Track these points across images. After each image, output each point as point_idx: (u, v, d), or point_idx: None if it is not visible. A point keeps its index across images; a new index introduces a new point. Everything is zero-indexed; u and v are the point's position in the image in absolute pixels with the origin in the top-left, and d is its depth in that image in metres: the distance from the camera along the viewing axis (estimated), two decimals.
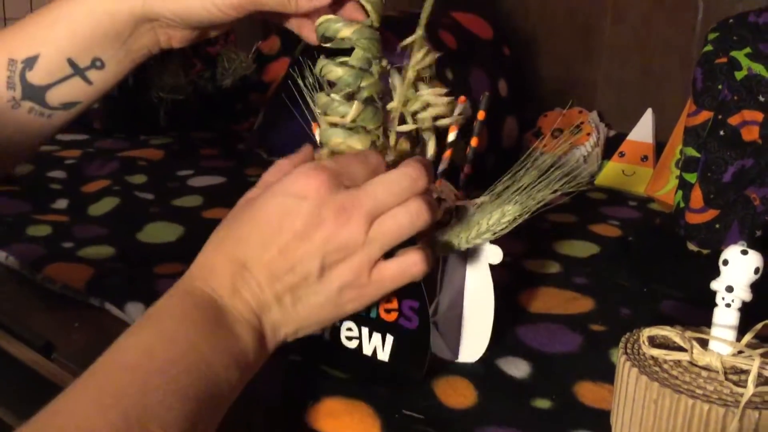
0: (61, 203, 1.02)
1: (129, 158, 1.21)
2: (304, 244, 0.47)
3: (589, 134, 1.25)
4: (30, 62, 0.60)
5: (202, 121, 1.46)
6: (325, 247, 0.47)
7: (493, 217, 0.58)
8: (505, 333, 0.69)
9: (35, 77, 0.60)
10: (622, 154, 1.21)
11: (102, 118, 1.40)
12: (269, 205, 0.48)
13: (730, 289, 0.51)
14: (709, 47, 0.86)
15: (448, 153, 0.64)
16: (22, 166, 1.14)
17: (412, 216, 0.50)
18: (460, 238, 0.59)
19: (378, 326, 0.59)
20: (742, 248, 0.51)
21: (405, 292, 0.57)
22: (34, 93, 0.60)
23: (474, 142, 0.65)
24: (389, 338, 0.59)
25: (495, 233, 0.59)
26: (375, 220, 0.49)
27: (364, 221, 0.48)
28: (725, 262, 0.51)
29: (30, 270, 0.79)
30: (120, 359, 0.41)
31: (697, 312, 0.75)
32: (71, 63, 0.60)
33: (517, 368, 0.64)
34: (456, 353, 0.64)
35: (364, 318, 0.60)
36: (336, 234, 0.47)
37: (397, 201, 0.49)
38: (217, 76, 1.50)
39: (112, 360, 0.41)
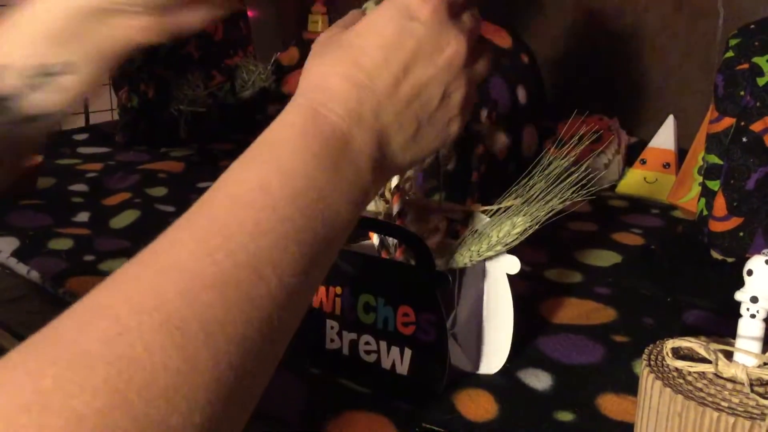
0: (83, 216, 1.03)
1: (150, 171, 1.22)
2: (428, 68, 0.44)
3: (610, 142, 1.24)
4: None
5: (222, 133, 1.46)
6: (447, 73, 0.45)
7: (503, 230, 0.57)
8: (527, 344, 0.68)
9: (6, 88, 0.53)
10: (643, 162, 1.20)
11: (123, 131, 1.41)
12: (384, 27, 0.44)
13: (754, 299, 0.50)
14: (730, 53, 0.85)
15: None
16: (44, 179, 1.15)
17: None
18: (471, 251, 0.59)
19: (396, 340, 0.59)
20: (766, 258, 0.50)
21: (422, 305, 0.57)
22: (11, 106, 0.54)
23: (481, 149, 0.65)
24: (407, 352, 0.58)
25: (506, 245, 0.58)
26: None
27: (475, 49, 0.47)
28: (749, 273, 0.50)
29: (52, 284, 0.80)
30: (231, 192, 0.36)
31: (722, 322, 0.74)
32: (41, 71, 0.54)
33: (539, 380, 0.63)
34: (476, 365, 0.64)
35: (382, 331, 0.59)
36: (457, 60, 0.45)
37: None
38: (236, 88, 1.51)
39: (223, 193, 0.36)
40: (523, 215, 0.57)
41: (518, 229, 0.57)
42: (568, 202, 0.56)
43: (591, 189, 0.56)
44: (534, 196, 0.57)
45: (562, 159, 0.58)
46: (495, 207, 0.60)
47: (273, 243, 0.34)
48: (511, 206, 0.59)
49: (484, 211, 0.62)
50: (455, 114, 0.47)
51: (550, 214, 0.56)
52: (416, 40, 0.43)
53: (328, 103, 0.41)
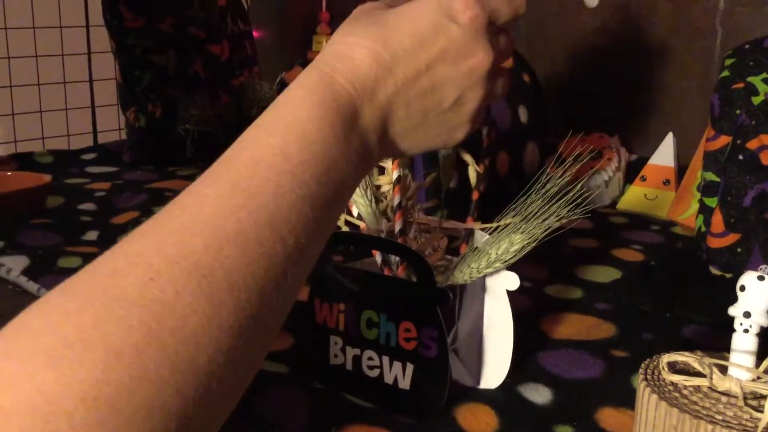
0: (92, 235, 1.05)
1: (157, 189, 1.24)
2: (450, 69, 0.45)
3: (610, 159, 1.25)
4: None
5: None
6: (467, 80, 0.46)
7: (501, 247, 0.59)
8: (527, 359, 0.70)
9: None
10: (643, 178, 1.22)
11: (130, 151, 1.43)
12: (422, 18, 0.45)
13: (747, 314, 0.51)
14: (726, 73, 0.87)
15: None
16: (53, 198, 1.17)
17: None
18: (471, 268, 0.60)
19: (398, 355, 0.60)
20: (758, 274, 0.52)
21: (423, 321, 0.58)
22: None
23: (481, 168, 0.66)
24: (409, 366, 0.60)
25: (505, 262, 0.60)
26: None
27: (498, 68, 0.48)
28: (742, 288, 0.52)
29: None
30: (254, 154, 0.37)
31: (720, 336, 0.75)
32: None
33: (539, 394, 0.65)
34: (477, 380, 0.65)
35: (384, 347, 0.61)
36: (479, 71, 0.46)
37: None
38: (242, 106, 1.54)
39: (247, 154, 0.37)
40: (521, 233, 0.58)
41: (516, 247, 0.59)
42: (564, 221, 0.57)
43: (587, 207, 0.57)
44: (532, 214, 0.58)
45: (559, 178, 0.60)
46: (494, 225, 0.62)
47: (290, 205, 0.36)
48: (509, 224, 0.60)
49: (483, 229, 0.64)
50: (464, 121, 0.48)
51: (547, 232, 0.58)
52: (448, 39, 0.45)
53: (347, 74, 0.42)
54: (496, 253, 0.59)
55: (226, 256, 0.33)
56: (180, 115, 1.43)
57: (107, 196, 1.21)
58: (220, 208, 0.35)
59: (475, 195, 0.68)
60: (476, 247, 0.61)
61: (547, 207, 0.57)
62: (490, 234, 0.61)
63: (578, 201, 0.57)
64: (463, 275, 0.61)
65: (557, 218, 0.57)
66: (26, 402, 0.26)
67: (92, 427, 0.26)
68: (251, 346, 0.34)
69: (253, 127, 0.40)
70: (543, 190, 0.59)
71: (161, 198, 1.20)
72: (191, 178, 1.34)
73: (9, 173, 1.24)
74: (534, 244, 0.58)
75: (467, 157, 0.63)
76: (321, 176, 0.38)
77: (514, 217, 0.59)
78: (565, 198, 0.57)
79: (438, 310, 0.57)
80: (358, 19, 0.46)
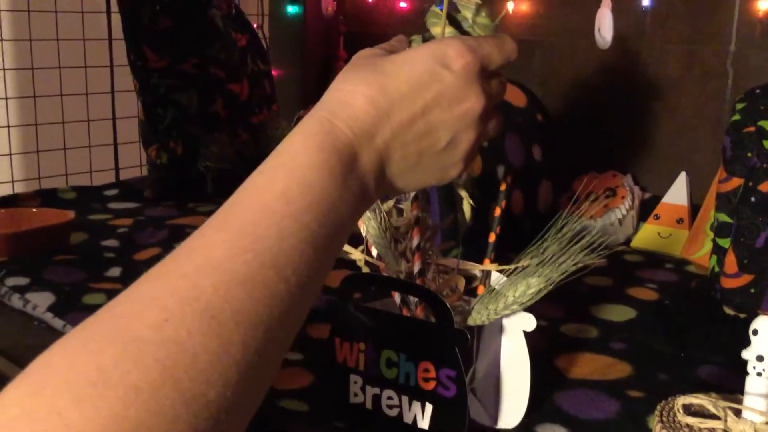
0: (115, 271, 1.07)
1: (178, 226, 1.26)
2: (444, 113, 0.48)
3: (623, 197, 1.27)
4: None
5: None
6: (460, 123, 0.49)
7: (518, 290, 0.60)
8: (544, 399, 0.71)
9: None
10: (657, 217, 1.23)
11: (152, 187, 1.46)
12: (417, 65, 0.48)
13: (760, 358, 0.53)
14: (737, 116, 0.89)
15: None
16: (76, 235, 1.20)
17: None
18: (489, 309, 0.62)
19: (417, 394, 0.61)
20: None
21: (442, 361, 0.60)
22: None
23: (497, 211, 0.68)
24: (428, 406, 0.61)
25: (522, 304, 0.61)
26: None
27: (490, 110, 0.51)
28: (755, 332, 0.53)
29: None
30: (258, 199, 0.40)
31: (734, 377, 0.75)
32: None
33: None
34: (495, 419, 0.66)
35: (404, 387, 0.62)
36: (471, 114, 0.49)
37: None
38: (260, 144, 1.57)
39: (252, 199, 0.40)
40: (538, 276, 0.60)
41: (533, 290, 0.60)
42: (580, 265, 0.59)
43: (602, 252, 0.59)
44: (548, 258, 0.60)
45: (575, 222, 0.61)
46: (511, 267, 0.64)
47: (293, 247, 0.39)
48: (527, 266, 0.62)
49: (500, 271, 0.66)
50: (458, 160, 0.51)
51: (564, 275, 0.59)
52: (442, 85, 0.48)
53: (346, 120, 0.45)
54: (514, 296, 0.61)
55: (233, 297, 0.36)
56: (201, 153, 1.46)
57: (129, 232, 1.23)
58: (228, 251, 0.37)
59: (492, 237, 0.70)
60: (493, 289, 0.63)
61: (563, 251, 0.59)
62: (507, 275, 0.63)
63: (594, 246, 0.59)
64: (480, 316, 0.63)
65: (573, 262, 0.59)
66: None
67: None
68: (257, 379, 0.36)
69: (257, 172, 0.42)
70: (559, 234, 0.60)
71: (182, 234, 1.22)
72: (211, 214, 1.37)
73: (33, 210, 1.27)
74: (551, 287, 0.60)
75: (462, 193, 0.65)
76: (321, 218, 0.41)
77: (531, 259, 0.61)
78: (581, 243, 0.59)
79: (457, 351, 0.59)
80: (357, 66, 0.49)
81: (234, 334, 0.35)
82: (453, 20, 0.62)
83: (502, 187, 0.69)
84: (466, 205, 0.65)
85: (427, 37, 0.61)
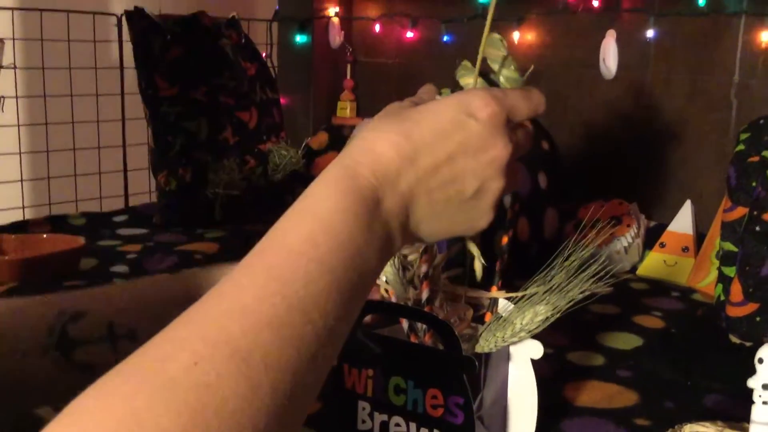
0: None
1: (186, 252, 1.27)
2: (470, 161, 0.48)
3: (629, 225, 1.28)
4: (76, 316, 0.60)
5: (255, 215, 1.52)
6: (486, 171, 0.49)
7: (526, 317, 0.61)
8: (550, 426, 0.71)
9: (74, 331, 0.59)
10: (663, 245, 1.24)
11: (161, 213, 1.48)
12: (443, 114, 0.48)
13: (766, 386, 0.53)
14: (741, 146, 0.90)
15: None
16: (86, 260, 1.21)
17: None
18: (496, 337, 0.63)
19: (425, 421, 0.62)
20: None
21: (450, 388, 0.60)
22: (66, 346, 0.59)
23: (504, 240, 0.69)
24: None
25: (529, 332, 0.62)
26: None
27: (514, 162, 0.51)
28: (760, 361, 0.54)
29: None
30: (284, 244, 0.41)
31: (740, 406, 0.75)
32: (109, 327, 0.60)
33: None
34: None
35: (412, 413, 0.62)
36: (498, 162, 0.49)
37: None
38: (269, 171, 1.58)
39: (279, 244, 0.41)
40: (545, 304, 0.61)
41: (541, 317, 0.61)
42: (587, 293, 0.60)
43: (608, 280, 0.59)
44: (555, 286, 0.61)
45: (582, 251, 0.62)
46: (519, 294, 0.64)
47: (319, 291, 0.39)
48: (534, 294, 0.63)
49: (508, 298, 0.66)
50: (486, 210, 0.51)
51: (571, 303, 0.60)
52: (468, 134, 0.48)
53: (370, 165, 0.45)
54: (521, 323, 0.61)
55: (262, 340, 0.36)
56: (209, 179, 1.47)
57: (138, 257, 1.24)
58: (255, 295, 0.38)
59: (498, 265, 0.71)
60: (501, 317, 0.64)
61: (569, 279, 0.60)
62: (514, 303, 0.63)
63: (600, 274, 0.60)
64: (488, 344, 0.64)
65: (580, 290, 0.59)
66: None
67: None
68: (285, 422, 0.36)
69: (283, 218, 0.43)
70: (566, 263, 0.61)
71: (191, 260, 1.23)
72: (219, 240, 1.38)
73: (44, 236, 1.29)
74: (558, 315, 0.60)
75: (473, 249, 0.65)
76: (347, 262, 0.41)
77: (538, 287, 0.62)
78: (588, 271, 0.60)
79: (465, 378, 0.59)
80: (384, 117, 0.50)
81: (263, 376, 0.35)
82: (482, 73, 0.63)
83: (509, 215, 0.70)
84: (477, 264, 0.65)
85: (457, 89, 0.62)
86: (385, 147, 0.47)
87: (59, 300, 0.62)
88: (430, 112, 0.49)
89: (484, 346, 0.64)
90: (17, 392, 0.60)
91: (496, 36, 0.61)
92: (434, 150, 0.47)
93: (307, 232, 0.41)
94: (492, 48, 0.62)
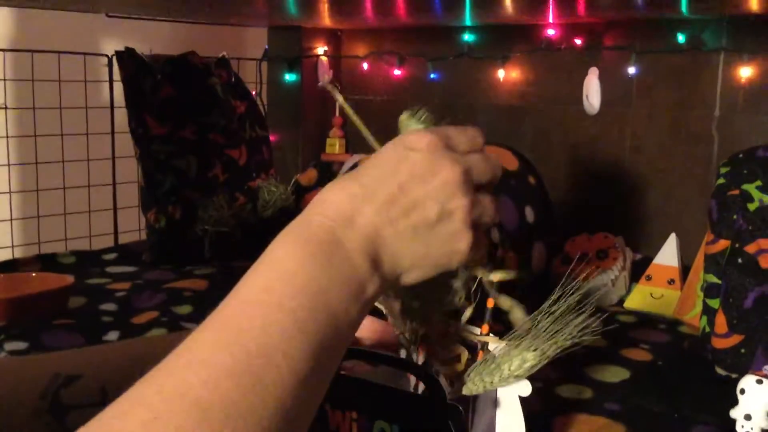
0: (113, 335, 1.07)
1: (175, 289, 1.27)
2: (423, 186, 0.49)
3: (615, 258, 1.29)
4: (70, 380, 0.60)
5: (244, 251, 1.52)
6: (442, 193, 0.49)
7: (514, 363, 0.61)
8: None
9: (66, 396, 0.59)
10: (649, 278, 1.25)
11: (150, 251, 1.48)
12: (385, 154, 0.50)
13: (748, 417, 0.54)
14: (721, 180, 0.92)
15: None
16: (75, 299, 1.21)
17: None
18: (485, 381, 0.63)
19: None
20: (757, 378, 0.54)
21: None
22: (59, 410, 0.59)
23: (490, 303, 0.68)
24: None
25: (517, 377, 0.62)
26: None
27: (468, 179, 0.51)
28: (742, 391, 0.54)
29: None
30: (240, 297, 0.42)
31: None
32: (102, 392, 0.60)
33: None
34: None
35: None
36: (451, 182, 0.50)
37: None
38: (258, 207, 1.59)
39: (235, 299, 0.42)
40: (533, 350, 0.61)
41: (529, 364, 0.61)
42: (576, 340, 0.60)
43: (597, 330, 0.60)
44: (543, 331, 0.61)
45: (570, 295, 0.62)
46: (504, 341, 0.64)
47: (279, 333, 0.40)
48: (522, 339, 0.62)
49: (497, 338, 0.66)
50: (459, 229, 0.50)
51: (558, 351, 0.60)
52: (411, 163, 0.49)
53: (321, 211, 0.47)
54: (509, 369, 0.61)
55: (222, 389, 0.37)
56: (199, 217, 1.48)
57: (127, 295, 1.24)
58: (213, 346, 0.39)
59: (490, 303, 0.71)
60: (488, 360, 0.63)
61: (555, 323, 0.60)
62: (506, 342, 0.63)
63: (589, 323, 0.60)
64: (476, 387, 0.63)
65: (569, 338, 0.60)
66: None
67: None
68: None
69: (244, 276, 0.44)
70: (553, 308, 0.61)
71: (180, 297, 1.23)
72: (209, 277, 1.38)
73: (33, 274, 1.29)
74: (545, 362, 0.60)
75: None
76: (308, 303, 0.42)
77: (527, 334, 0.61)
78: (577, 321, 0.60)
79: (450, 425, 0.59)
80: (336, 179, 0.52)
81: (224, 426, 0.35)
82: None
83: (489, 305, 0.69)
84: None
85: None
86: (334, 193, 0.48)
87: (54, 362, 0.62)
88: (373, 158, 0.50)
89: (472, 389, 0.64)
90: None
91: (403, 118, 0.61)
92: (384, 184, 0.48)
93: (263, 282, 0.42)
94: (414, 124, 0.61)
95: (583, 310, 0.60)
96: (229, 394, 0.36)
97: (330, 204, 0.47)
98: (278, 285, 0.42)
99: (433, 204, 0.49)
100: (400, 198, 0.48)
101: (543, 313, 0.61)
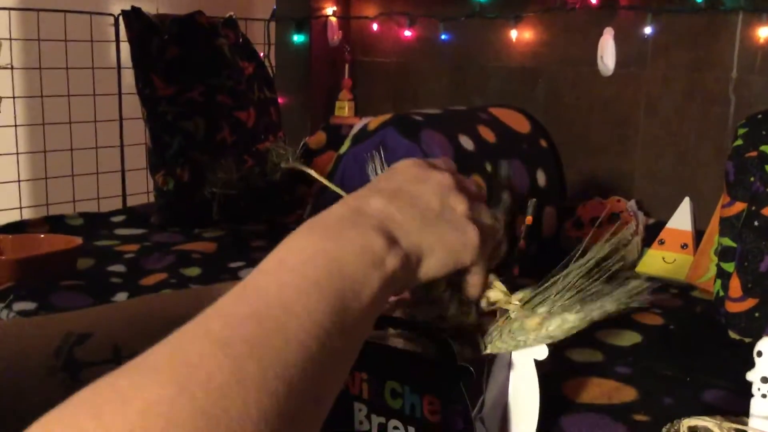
0: (122, 296, 1.07)
1: (184, 251, 1.27)
2: (419, 186, 0.53)
3: (628, 222, 1.27)
4: (82, 338, 0.61)
5: (253, 214, 1.52)
6: (439, 190, 0.53)
7: (553, 323, 0.59)
8: (550, 423, 0.71)
9: (80, 353, 0.61)
10: (661, 242, 1.23)
11: (158, 213, 1.47)
12: (378, 176, 0.55)
13: (765, 380, 0.53)
14: (739, 141, 0.90)
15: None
16: (83, 260, 1.21)
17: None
18: (518, 341, 0.61)
19: (423, 426, 0.61)
20: None
21: (448, 397, 0.59)
22: (73, 368, 0.61)
23: (522, 244, 0.67)
24: None
25: (553, 338, 0.60)
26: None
27: (457, 180, 0.55)
28: (759, 354, 0.53)
29: None
30: (256, 270, 0.44)
31: (740, 401, 0.75)
32: (115, 350, 0.62)
33: None
34: None
35: (409, 417, 0.62)
36: (444, 184, 0.54)
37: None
38: (266, 170, 1.58)
39: (252, 273, 0.44)
40: (576, 312, 0.59)
41: (569, 326, 0.59)
42: (623, 307, 0.58)
43: (644, 296, 0.58)
44: (584, 290, 0.59)
45: (597, 252, 0.60)
46: (531, 295, 0.62)
47: (295, 290, 0.41)
48: (557, 301, 0.60)
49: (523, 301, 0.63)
50: (464, 222, 0.53)
51: (604, 315, 0.58)
52: (402, 173, 0.54)
53: (331, 209, 0.50)
54: (547, 330, 0.60)
55: (244, 330, 0.38)
56: (207, 179, 1.47)
57: (136, 257, 1.24)
58: (232, 302, 0.40)
59: (522, 244, 0.69)
60: (517, 319, 0.62)
61: (594, 287, 0.58)
62: (522, 306, 0.61)
63: (639, 288, 0.58)
64: (506, 345, 0.62)
65: (620, 303, 0.58)
66: None
67: None
68: (284, 408, 0.36)
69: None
70: (585, 264, 0.59)
71: (188, 260, 1.23)
72: (217, 239, 1.38)
73: (41, 236, 1.28)
74: (585, 326, 0.59)
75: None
76: (320, 269, 0.44)
77: (560, 291, 0.59)
78: (630, 287, 0.58)
79: (462, 387, 0.58)
80: None
81: (248, 357, 0.36)
82: None
83: (528, 221, 0.68)
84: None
85: None
86: (339, 202, 0.51)
87: (65, 321, 0.63)
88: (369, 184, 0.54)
89: (501, 347, 0.62)
90: (25, 412, 0.60)
91: None
92: (386, 186, 0.52)
93: (277, 257, 0.45)
94: None
95: (608, 272, 0.59)
96: (252, 334, 0.37)
97: (337, 205, 0.50)
98: (291, 257, 0.44)
99: (433, 197, 0.53)
100: (403, 192, 0.52)
101: (573, 273, 0.59)
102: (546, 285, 0.60)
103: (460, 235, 0.53)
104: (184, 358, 0.35)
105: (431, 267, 0.52)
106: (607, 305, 0.58)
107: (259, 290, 0.41)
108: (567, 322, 0.59)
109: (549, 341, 0.60)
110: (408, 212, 0.51)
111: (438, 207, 0.52)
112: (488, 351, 0.63)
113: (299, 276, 0.42)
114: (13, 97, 1.54)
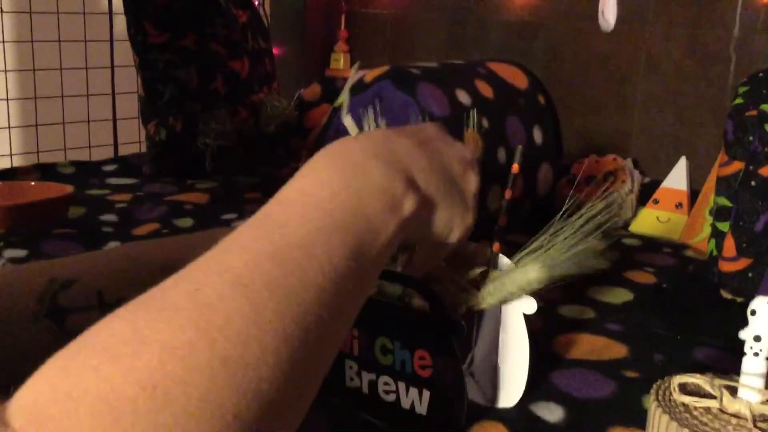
0: (112, 246, 1.06)
1: (176, 202, 1.26)
2: (449, 148, 0.53)
3: (623, 181, 1.27)
4: (66, 284, 0.61)
5: (246, 166, 1.51)
6: (464, 159, 0.54)
7: (531, 272, 0.59)
8: (540, 379, 0.71)
9: (64, 299, 0.61)
10: (656, 201, 1.23)
11: (150, 163, 1.46)
12: (405, 127, 0.54)
13: (758, 338, 0.53)
14: (739, 100, 0.88)
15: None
16: (74, 209, 1.20)
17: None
18: (504, 292, 0.61)
19: (414, 381, 0.61)
20: None
21: (438, 351, 0.59)
22: (57, 314, 0.60)
23: (508, 194, 0.67)
24: (426, 393, 0.61)
25: (541, 282, 0.60)
26: None
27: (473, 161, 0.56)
28: (753, 312, 0.53)
29: None
30: (279, 199, 0.43)
31: (730, 359, 0.76)
32: (99, 296, 0.61)
33: (552, 413, 0.66)
34: (493, 400, 0.66)
35: (400, 373, 0.62)
36: (466, 156, 0.54)
37: None
38: (260, 122, 1.56)
39: (273, 201, 0.43)
40: (540, 266, 0.59)
41: (541, 275, 0.59)
42: (582, 269, 0.59)
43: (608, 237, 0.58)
44: (555, 245, 0.59)
45: (587, 210, 0.60)
46: (521, 255, 0.62)
47: (317, 229, 0.40)
48: (539, 252, 0.61)
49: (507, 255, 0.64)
50: (471, 202, 0.54)
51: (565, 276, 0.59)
52: (431, 131, 0.54)
53: (356, 139, 0.49)
54: (536, 275, 0.60)
55: (263, 268, 0.37)
56: (200, 130, 1.45)
57: (128, 207, 1.23)
58: (253, 236, 0.39)
59: (503, 221, 0.69)
60: (504, 272, 0.62)
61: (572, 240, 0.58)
62: (514, 262, 0.62)
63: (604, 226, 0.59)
64: (492, 298, 0.62)
65: (576, 263, 0.58)
66: (93, 390, 0.29)
67: (151, 412, 0.29)
68: (300, 357, 0.36)
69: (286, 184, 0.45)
70: (575, 220, 0.59)
71: (180, 210, 1.22)
72: (210, 191, 1.36)
73: (32, 183, 1.27)
74: (570, 272, 0.59)
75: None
76: (343, 205, 0.43)
77: (541, 247, 0.60)
78: (581, 248, 0.59)
79: (453, 341, 0.58)
80: None
81: (267, 300, 0.35)
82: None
83: (514, 170, 0.68)
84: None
85: None
86: (367, 132, 0.52)
87: (49, 268, 0.63)
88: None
89: (489, 301, 0.62)
90: (10, 359, 0.60)
91: None
92: (408, 136, 0.51)
93: (299, 186, 0.44)
94: None
95: (597, 232, 0.59)
96: (271, 274, 0.37)
97: (363, 136, 0.49)
98: (314, 189, 0.43)
99: (456, 163, 0.53)
100: (431, 146, 0.52)
101: (552, 233, 0.59)
102: (533, 245, 0.60)
103: (464, 211, 0.54)
104: (203, 298, 0.34)
105: (438, 222, 0.52)
106: (567, 266, 0.59)
107: (281, 226, 0.40)
108: (539, 272, 0.59)
109: (522, 294, 0.61)
110: (434, 163, 0.51)
111: (459, 173, 0.53)
112: (481, 306, 0.63)
113: (323, 213, 0.42)
114: (2, 42, 1.51)
